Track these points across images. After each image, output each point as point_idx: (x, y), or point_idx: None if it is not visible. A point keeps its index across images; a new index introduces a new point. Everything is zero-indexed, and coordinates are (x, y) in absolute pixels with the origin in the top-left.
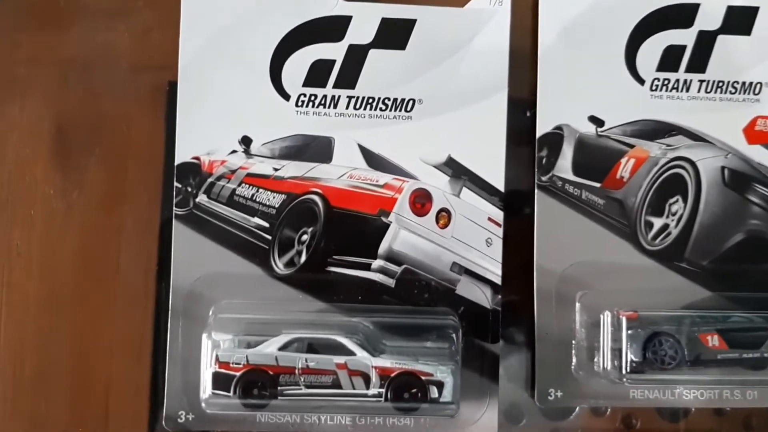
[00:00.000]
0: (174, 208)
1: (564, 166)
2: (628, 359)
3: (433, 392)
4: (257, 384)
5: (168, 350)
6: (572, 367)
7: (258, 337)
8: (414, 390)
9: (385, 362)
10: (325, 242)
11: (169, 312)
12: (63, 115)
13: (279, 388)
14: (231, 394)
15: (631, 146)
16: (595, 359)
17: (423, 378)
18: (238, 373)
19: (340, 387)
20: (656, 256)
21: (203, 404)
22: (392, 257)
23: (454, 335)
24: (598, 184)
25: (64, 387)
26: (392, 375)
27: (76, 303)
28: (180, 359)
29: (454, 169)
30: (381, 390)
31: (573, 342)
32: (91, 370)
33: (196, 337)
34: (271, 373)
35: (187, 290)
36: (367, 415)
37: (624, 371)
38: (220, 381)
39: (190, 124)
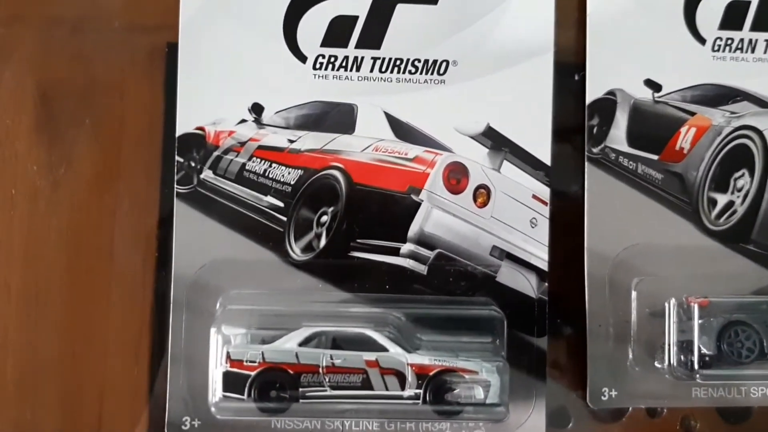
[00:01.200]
0: (175, 185)
1: (617, 137)
2: (700, 353)
3: (479, 393)
4: (275, 385)
5: (170, 348)
6: (628, 363)
7: (274, 332)
8: (456, 390)
9: (422, 359)
10: (348, 224)
11: (171, 304)
12: (48, 81)
13: (300, 389)
14: (245, 396)
15: (692, 114)
16: (656, 354)
17: (467, 377)
18: (252, 373)
19: (371, 388)
20: (720, 237)
21: (212, 409)
22: (424, 240)
23: (496, 328)
24: (655, 157)
25: (52, 391)
26: (431, 374)
27: (64, 295)
28: (184, 357)
29: (494, 140)
30: (418, 391)
31: (629, 335)
32: (82, 372)
33: (202, 333)
34: (291, 372)
35: (191, 279)
36: (397, 420)
37: (695, 367)
38: (231, 382)
39: (193, 91)
